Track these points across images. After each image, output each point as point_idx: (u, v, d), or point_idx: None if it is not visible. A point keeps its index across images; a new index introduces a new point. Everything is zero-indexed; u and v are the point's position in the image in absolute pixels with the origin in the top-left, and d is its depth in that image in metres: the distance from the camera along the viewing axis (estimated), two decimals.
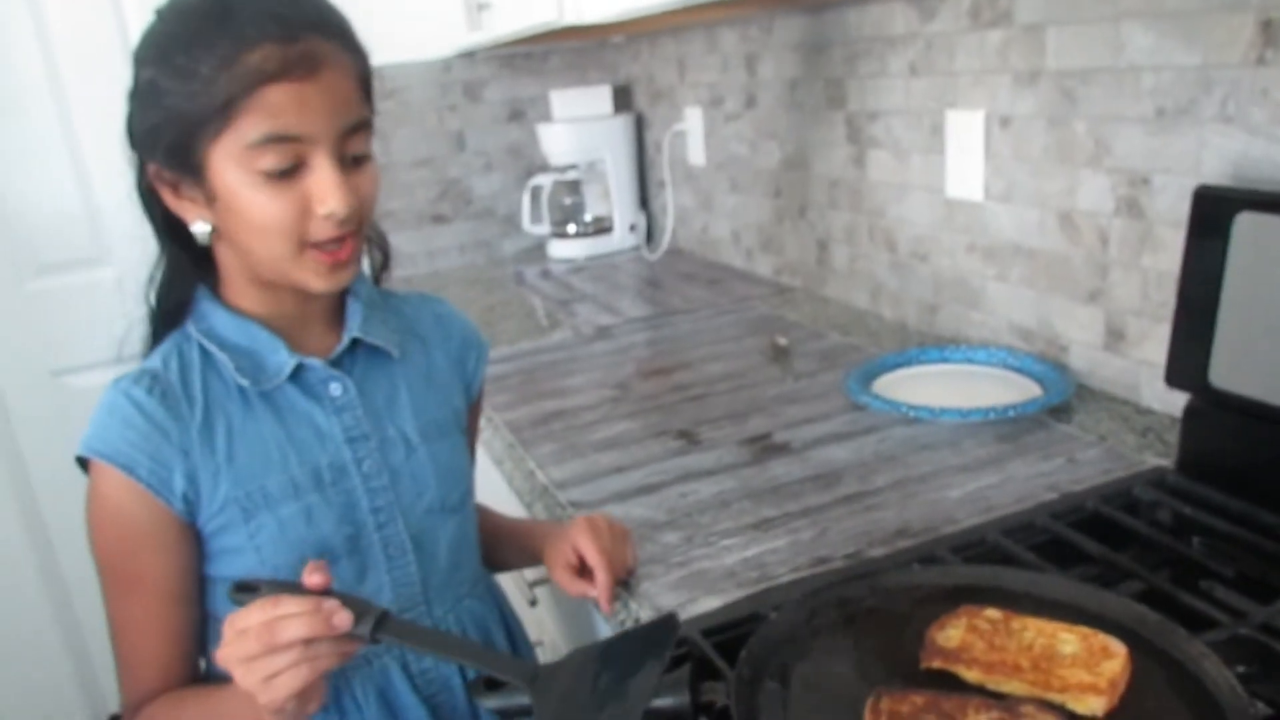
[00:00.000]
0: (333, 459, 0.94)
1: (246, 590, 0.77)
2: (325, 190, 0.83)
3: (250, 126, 0.80)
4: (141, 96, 0.85)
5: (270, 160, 0.81)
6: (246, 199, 0.83)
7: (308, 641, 0.73)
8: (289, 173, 0.82)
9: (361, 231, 0.90)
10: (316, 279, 0.88)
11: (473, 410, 1.13)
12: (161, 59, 0.82)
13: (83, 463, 0.89)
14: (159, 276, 0.94)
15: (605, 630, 1.04)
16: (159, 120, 0.83)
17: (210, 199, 0.85)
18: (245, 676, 0.73)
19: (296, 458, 0.92)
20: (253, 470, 0.90)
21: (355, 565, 0.95)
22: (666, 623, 0.78)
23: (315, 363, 0.94)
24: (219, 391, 0.91)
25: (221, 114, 0.80)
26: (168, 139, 0.83)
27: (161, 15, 0.84)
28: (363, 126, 0.87)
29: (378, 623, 0.75)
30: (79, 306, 2.39)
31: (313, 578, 0.76)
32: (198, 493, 0.88)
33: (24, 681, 2.54)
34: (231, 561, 0.91)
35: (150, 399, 0.87)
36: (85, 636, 2.64)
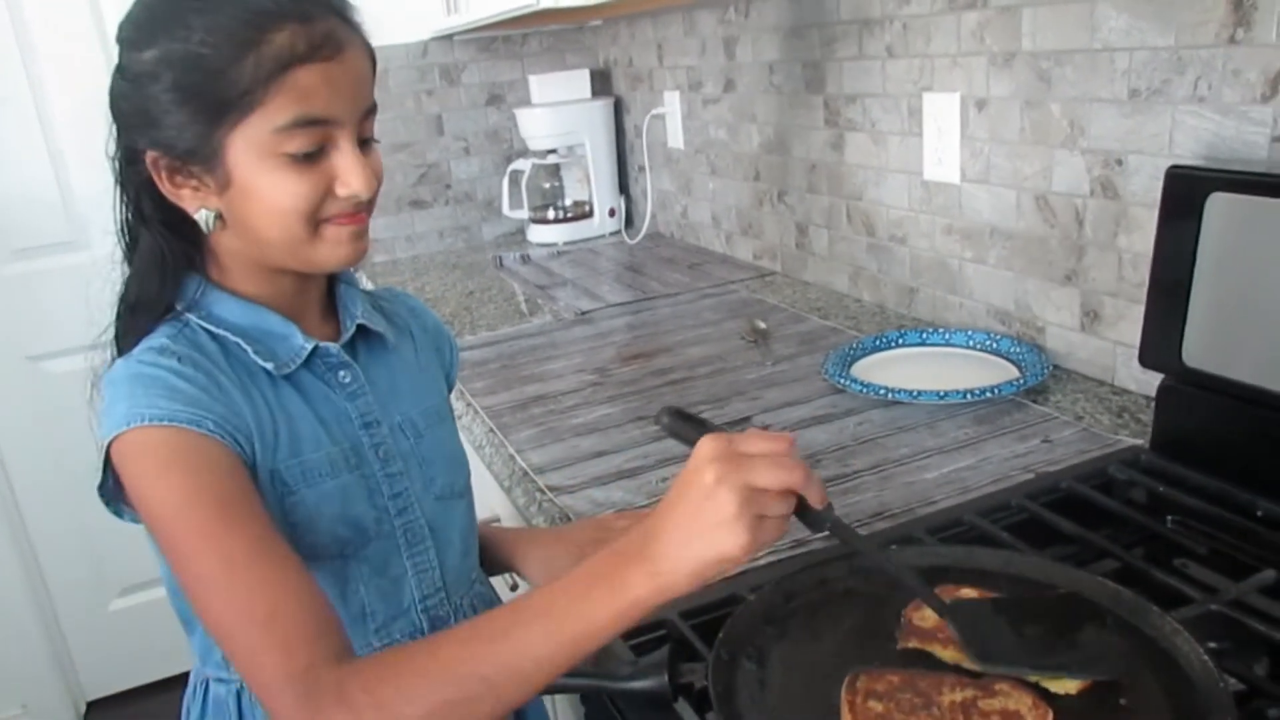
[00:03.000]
0: (353, 443, 0.92)
1: (683, 418, 0.74)
2: (349, 173, 0.82)
3: (279, 110, 0.78)
4: (140, 79, 0.80)
5: (298, 143, 0.79)
6: (268, 183, 0.81)
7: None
8: (313, 155, 0.81)
9: (370, 213, 0.89)
10: (337, 249, 0.86)
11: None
12: (167, 37, 0.78)
13: (106, 465, 0.80)
14: (138, 266, 0.89)
15: None
16: (168, 103, 0.79)
17: (223, 185, 0.82)
18: (743, 507, 0.63)
19: (328, 437, 0.90)
20: (292, 445, 0.87)
21: (380, 550, 0.93)
22: None
23: (331, 347, 0.92)
24: (243, 372, 0.87)
25: (248, 98, 0.77)
26: (179, 122, 0.79)
27: None
28: (374, 110, 0.87)
29: (832, 523, 0.71)
30: (56, 291, 2.38)
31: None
32: (253, 455, 0.83)
33: (0, 667, 2.53)
34: None
35: (185, 368, 0.81)
36: (61, 620, 2.63)
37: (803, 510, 0.68)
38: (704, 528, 0.64)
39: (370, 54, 0.86)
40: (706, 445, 0.66)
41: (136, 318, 0.88)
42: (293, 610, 0.72)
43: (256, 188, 0.81)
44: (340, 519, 0.89)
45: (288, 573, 0.74)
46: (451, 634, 0.71)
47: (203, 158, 0.81)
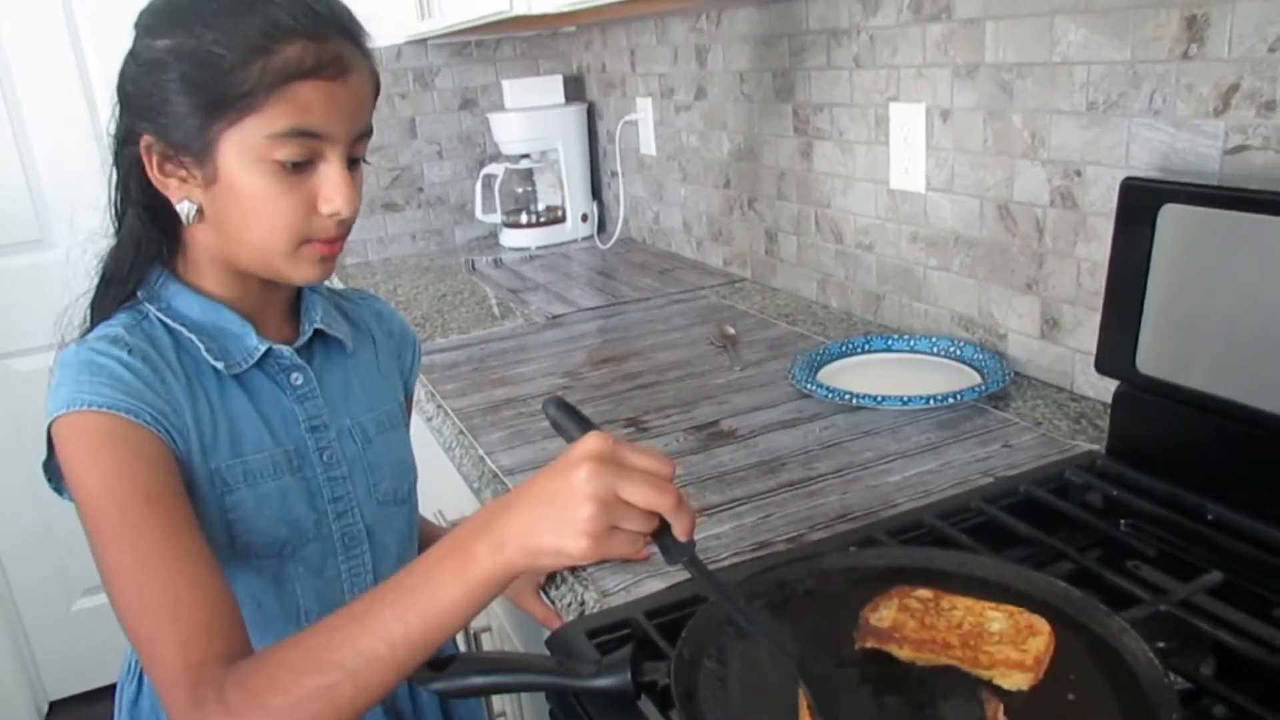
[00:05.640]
0: (298, 445, 0.94)
1: (567, 411, 0.73)
2: (334, 190, 0.85)
3: (276, 117, 0.80)
4: (151, 64, 0.83)
5: (288, 152, 0.82)
6: (254, 187, 0.83)
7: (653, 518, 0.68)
8: (301, 166, 0.83)
9: (348, 234, 0.91)
10: (310, 268, 0.88)
11: (406, 405, 1.14)
12: (183, 30, 0.81)
13: (49, 443, 0.83)
14: (118, 243, 0.92)
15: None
16: (171, 92, 0.81)
17: (210, 180, 0.84)
18: (600, 511, 0.65)
19: (271, 439, 0.92)
20: (234, 446, 0.89)
21: (318, 552, 0.95)
22: None
23: (284, 350, 0.94)
24: (192, 369, 0.89)
25: (248, 100, 0.79)
26: (178, 112, 0.82)
27: None
28: (369, 133, 0.89)
29: (690, 558, 0.71)
30: (23, 289, 2.37)
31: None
32: (188, 453, 0.86)
33: None
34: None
35: (134, 360, 0.84)
36: (24, 620, 2.61)
37: (664, 538, 0.70)
38: (555, 518, 0.66)
39: (375, 80, 0.89)
40: (592, 441, 0.67)
41: (108, 291, 0.91)
42: (196, 607, 0.74)
43: (241, 189, 0.83)
44: (279, 520, 0.91)
45: (198, 569, 0.76)
46: (322, 623, 0.72)
47: (194, 150, 0.83)
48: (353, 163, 0.88)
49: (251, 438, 0.91)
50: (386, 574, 0.99)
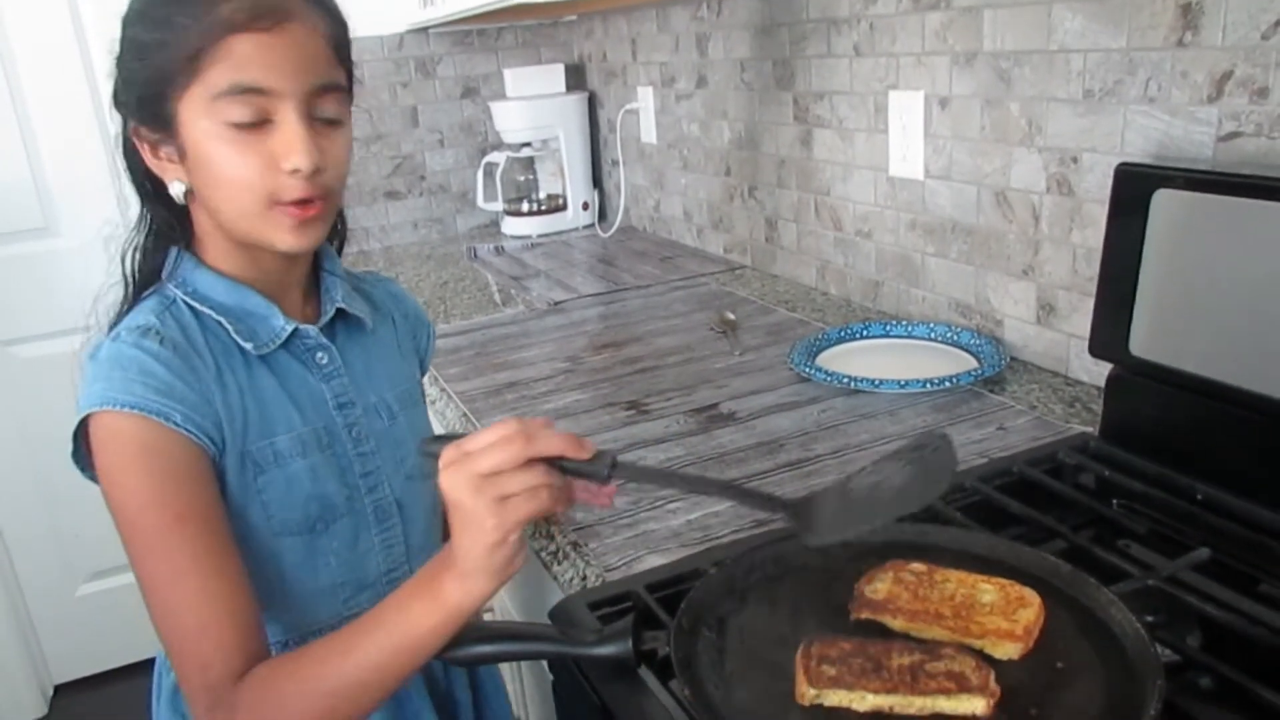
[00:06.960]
0: (327, 423, 0.96)
1: (440, 441, 0.76)
2: (289, 145, 0.83)
3: (217, 76, 0.80)
4: (123, 55, 0.85)
5: (236, 112, 0.81)
6: (213, 152, 0.83)
7: (552, 464, 0.72)
8: (256, 127, 0.83)
9: (331, 198, 0.89)
10: (284, 235, 0.87)
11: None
12: (141, 15, 0.83)
13: (76, 436, 0.85)
14: (141, 240, 0.94)
15: (556, 592, 1.07)
16: (136, 75, 0.84)
17: (182, 154, 0.85)
18: (475, 497, 0.70)
19: (300, 418, 0.93)
20: (263, 427, 0.90)
21: (351, 526, 0.96)
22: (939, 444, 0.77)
23: (309, 329, 0.95)
24: (220, 351, 0.90)
25: (190, 64, 0.80)
26: (141, 92, 0.84)
27: None
28: (334, 89, 0.87)
29: (613, 464, 0.74)
30: (27, 277, 2.38)
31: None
32: (222, 442, 0.87)
33: None
34: (231, 517, 0.89)
35: (164, 351, 0.85)
36: (30, 605, 2.63)
37: (579, 470, 0.74)
38: (465, 528, 0.72)
39: (334, 32, 0.87)
40: (443, 459, 0.73)
41: (134, 278, 0.93)
42: (220, 628, 0.80)
43: (205, 158, 0.84)
44: (311, 496, 0.93)
45: (224, 588, 0.81)
46: (313, 652, 0.79)
47: (163, 126, 0.85)
48: (325, 122, 0.86)
49: (281, 419, 0.92)
50: (418, 545, 1.03)
